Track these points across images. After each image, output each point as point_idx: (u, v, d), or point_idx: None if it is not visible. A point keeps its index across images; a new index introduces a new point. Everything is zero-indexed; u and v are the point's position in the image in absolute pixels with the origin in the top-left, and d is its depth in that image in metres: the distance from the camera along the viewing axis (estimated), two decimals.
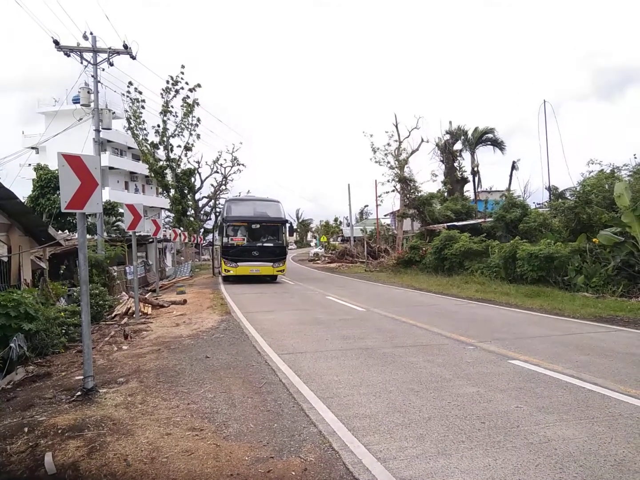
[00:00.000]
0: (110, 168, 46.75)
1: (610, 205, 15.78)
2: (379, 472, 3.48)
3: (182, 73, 30.18)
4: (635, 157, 17.36)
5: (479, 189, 35.75)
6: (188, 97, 30.68)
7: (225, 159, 43.10)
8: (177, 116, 31.08)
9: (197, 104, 31.12)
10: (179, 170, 32.07)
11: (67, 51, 19.92)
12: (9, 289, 8.10)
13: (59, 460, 3.73)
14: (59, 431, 4.27)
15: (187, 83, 30.41)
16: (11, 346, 6.47)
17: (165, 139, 31.16)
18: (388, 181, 31.40)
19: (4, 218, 9.92)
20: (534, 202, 26.16)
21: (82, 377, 5.56)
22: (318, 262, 44.13)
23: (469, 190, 36.28)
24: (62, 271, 13.97)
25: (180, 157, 32.09)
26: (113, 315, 11.71)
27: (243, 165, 43.62)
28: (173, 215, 34.42)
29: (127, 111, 29.90)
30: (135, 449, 3.91)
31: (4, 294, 7.10)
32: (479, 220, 25.59)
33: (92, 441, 4.06)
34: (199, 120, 31.57)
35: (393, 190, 31.80)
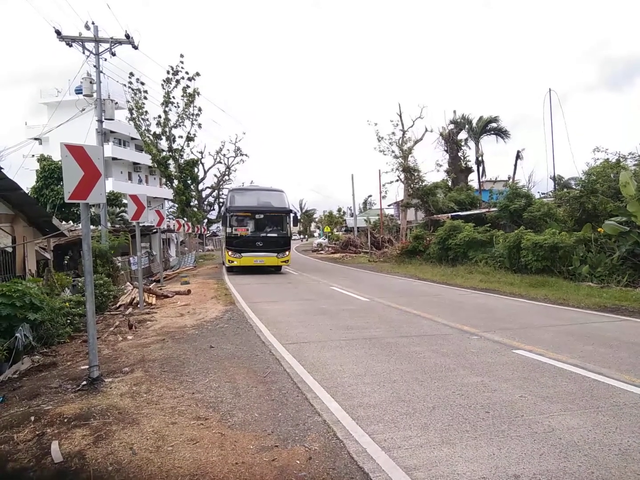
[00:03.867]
0: (114, 159, 46.75)
1: (616, 194, 15.66)
2: (383, 461, 3.49)
3: (182, 62, 29.89)
4: None
5: (484, 179, 35.58)
6: (188, 86, 30.49)
7: (228, 149, 42.99)
8: (178, 107, 30.93)
9: (198, 94, 30.90)
10: (182, 161, 31.95)
11: (69, 41, 19.83)
12: (14, 279, 8.13)
13: (65, 449, 3.76)
14: (65, 420, 4.30)
15: (187, 72, 30.18)
16: (17, 336, 6.50)
17: (167, 129, 31.03)
18: (392, 170, 31.33)
19: (8, 209, 9.94)
20: (538, 192, 25.99)
21: (87, 366, 5.59)
22: (322, 252, 44.15)
23: (473, 180, 36.18)
24: (66, 262, 14.03)
25: (182, 147, 31.97)
26: (117, 305, 11.76)
27: (246, 155, 43.53)
28: (176, 205, 34.37)
29: (129, 102, 29.78)
30: (140, 438, 3.94)
31: (9, 284, 7.13)
32: (483, 210, 25.47)
33: (98, 430, 4.08)
34: (200, 110, 31.39)
35: (397, 180, 31.71)
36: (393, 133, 31.40)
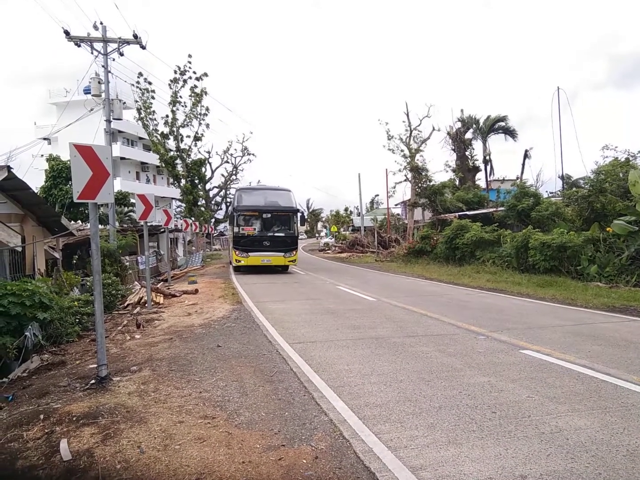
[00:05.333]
0: (122, 158, 46.96)
1: (625, 193, 15.54)
2: (389, 460, 3.50)
3: (190, 62, 29.96)
4: None
5: (491, 178, 35.41)
6: (196, 86, 30.58)
7: (235, 149, 43.23)
8: (185, 106, 31.03)
9: (206, 93, 30.97)
10: (189, 160, 32.05)
11: (78, 41, 19.97)
12: (24, 279, 8.20)
13: (74, 447, 3.79)
14: (74, 418, 4.34)
15: (194, 72, 30.26)
16: (26, 335, 6.57)
17: (174, 129, 31.14)
18: (400, 170, 31.23)
19: (17, 209, 10.03)
20: (546, 191, 25.85)
21: (95, 365, 5.64)
22: (328, 252, 44.13)
23: (480, 179, 36.02)
24: (75, 261, 14.10)
25: (190, 147, 32.08)
26: (126, 304, 11.84)
27: (253, 155, 43.79)
28: (184, 205, 34.48)
29: (137, 101, 29.92)
30: (148, 436, 3.96)
31: (19, 283, 7.20)
32: (491, 210, 25.34)
33: (106, 428, 4.12)
34: (207, 109, 31.46)
35: (405, 180, 31.61)
36: (406, 130, 31.34)
